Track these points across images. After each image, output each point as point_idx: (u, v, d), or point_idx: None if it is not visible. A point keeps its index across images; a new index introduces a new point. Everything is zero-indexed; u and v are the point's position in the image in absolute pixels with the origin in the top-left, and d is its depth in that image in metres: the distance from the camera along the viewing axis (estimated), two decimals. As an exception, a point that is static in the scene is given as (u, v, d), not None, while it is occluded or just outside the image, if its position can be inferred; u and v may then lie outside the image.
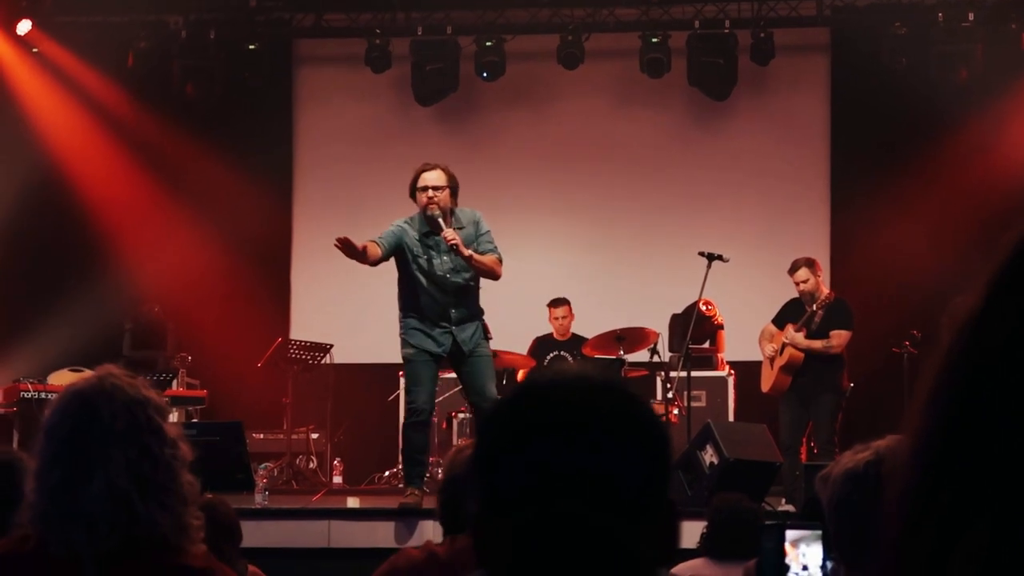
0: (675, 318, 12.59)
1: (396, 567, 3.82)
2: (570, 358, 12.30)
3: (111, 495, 2.69)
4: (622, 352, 11.57)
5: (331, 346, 12.80)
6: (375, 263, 9.00)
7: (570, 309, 12.64)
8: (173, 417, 11.72)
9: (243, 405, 12.54)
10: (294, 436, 12.81)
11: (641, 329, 11.74)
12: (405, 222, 9.04)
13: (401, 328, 9.16)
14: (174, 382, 12.42)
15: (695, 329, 11.31)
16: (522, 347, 12.44)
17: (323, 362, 12.94)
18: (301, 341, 12.96)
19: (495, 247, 9.06)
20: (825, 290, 11.00)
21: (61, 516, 2.71)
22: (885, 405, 11.31)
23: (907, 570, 1.04)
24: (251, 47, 13.74)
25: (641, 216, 14.16)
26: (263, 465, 11.03)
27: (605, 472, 1.50)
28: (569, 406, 1.54)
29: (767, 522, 6.20)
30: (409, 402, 9.15)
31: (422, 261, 9.00)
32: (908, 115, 13.53)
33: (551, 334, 12.63)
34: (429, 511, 9.02)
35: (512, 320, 12.99)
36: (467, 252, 8.83)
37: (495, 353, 11.62)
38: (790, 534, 3.53)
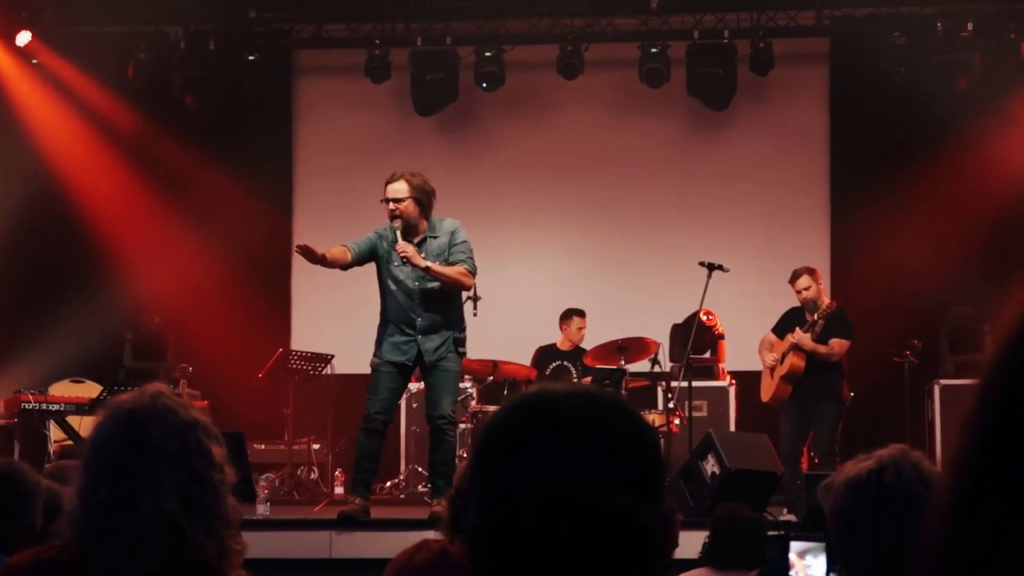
0: (676, 328, 12.60)
1: (412, 564, 3.85)
2: (572, 368, 12.31)
3: (159, 518, 2.65)
4: (623, 362, 11.57)
5: (332, 356, 12.80)
6: (345, 267, 9.13)
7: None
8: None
9: (244, 416, 12.53)
10: (295, 447, 12.82)
11: (642, 339, 11.74)
12: (383, 229, 9.11)
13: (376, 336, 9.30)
14: (175, 393, 12.40)
15: (696, 339, 11.33)
16: (523, 357, 12.44)
17: (324, 372, 12.94)
18: (302, 352, 12.96)
19: (466, 258, 9.07)
20: (826, 299, 11.01)
21: (105, 535, 2.67)
22: (885, 414, 11.33)
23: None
24: (251, 58, 13.76)
25: (641, 226, 14.17)
26: (264, 476, 11.02)
27: (602, 479, 1.52)
28: (566, 417, 1.55)
29: (771, 533, 6.20)
30: (366, 409, 9.22)
31: (392, 268, 9.10)
32: (907, 124, 13.56)
33: (554, 344, 12.63)
34: (418, 520, 9.03)
35: (512, 330, 13.01)
36: (423, 263, 8.89)
37: (495, 364, 11.65)
38: (795, 545, 3.54)
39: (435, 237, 9.05)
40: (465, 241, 9.11)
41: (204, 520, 2.70)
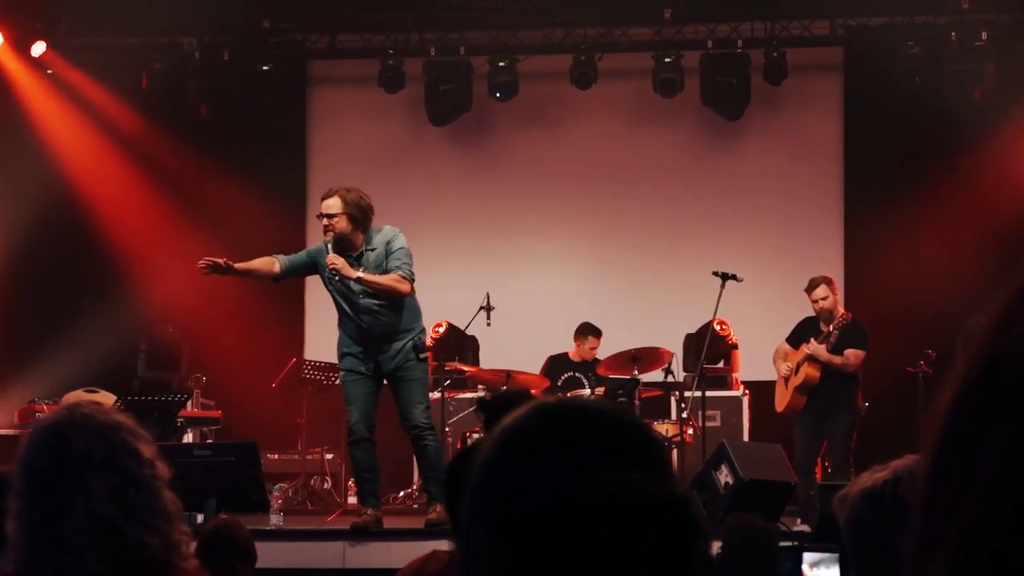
0: (689, 338, 12.58)
1: (424, 571, 3.85)
2: (584, 379, 12.29)
3: (95, 524, 2.68)
4: (636, 372, 11.55)
5: (345, 366, 12.79)
6: (274, 279, 9.32)
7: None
8: (188, 437, 11.70)
9: (258, 426, 12.53)
10: (309, 456, 12.83)
11: (655, 349, 11.71)
12: (324, 244, 9.16)
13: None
14: (189, 403, 12.42)
15: (709, 349, 11.31)
16: (534, 366, 12.42)
17: (337, 382, 12.93)
18: (315, 361, 12.96)
19: (401, 263, 9.08)
20: (840, 309, 10.99)
21: (46, 550, 2.70)
22: (900, 425, 11.30)
23: None
24: (265, 68, 13.79)
25: (654, 236, 14.16)
26: (278, 486, 11.02)
27: (625, 480, 1.50)
28: (575, 422, 1.54)
29: (784, 544, 6.19)
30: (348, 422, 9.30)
31: (336, 283, 9.18)
32: (921, 134, 13.53)
33: (566, 354, 12.59)
34: (417, 530, 9.02)
35: (526, 341, 13.01)
36: (354, 275, 8.96)
37: (508, 374, 11.63)
38: (808, 556, 3.53)
39: (372, 250, 9.12)
40: (402, 248, 9.14)
41: (143, 518, 2.72)
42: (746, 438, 12.03)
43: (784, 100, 14.04)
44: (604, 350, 12.26)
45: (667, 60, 13.47)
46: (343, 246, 9.08)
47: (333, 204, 9.07)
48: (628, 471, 1.50)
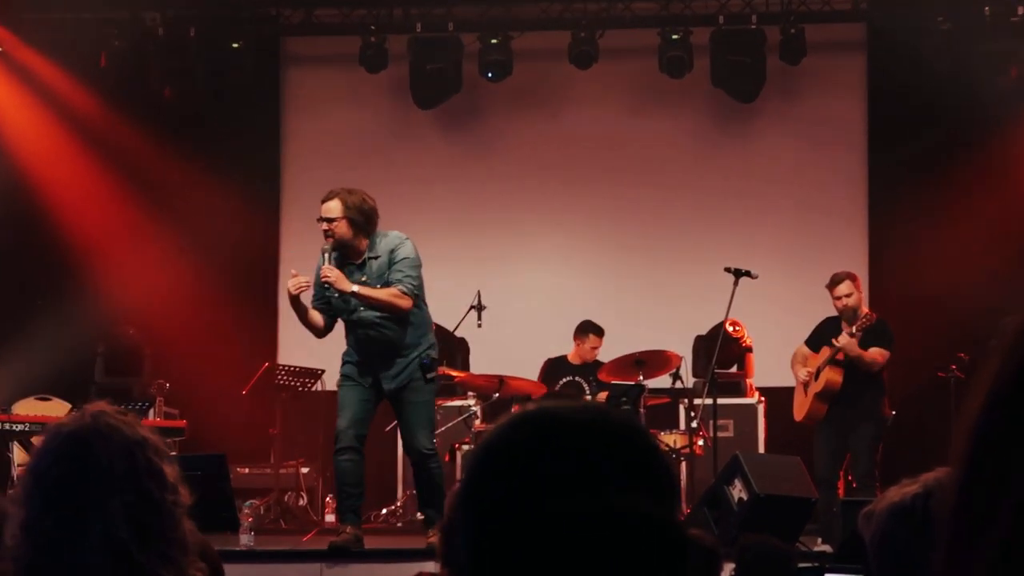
0: (699, 340, 12.58)
1: None
2: (585, 384, 12.28)
3: (109, 547, 2.64)
4: (641, 377, 11.54)
5: (323, 371, 12.78)
6: (320, 332, 9.32)
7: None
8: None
9: (226, 436, 12.50)
10: (282, 470, 12.82)
11: (662, 352, 11.72)
12: (322, 251, 9.17)
13: None
14: (151, 411, 12.39)
15: (721, 352, 11.32)
16: (532, 372, 12.41)
17: (314, 389, 12.94)
18: (290, 366, 12.97)
19: (403, 276, 9.11)
20: (864, 308, 10.98)
21: (51, 569, 2.66)
22: (930, 434, 11.25)
23: None
24: (235, 46, 13.77)
25: (661, 229, 14.16)
26: (248, 502, 11.00)
27: (619, 507, 1.51)
28: (571, 434, 1.55)
29: (803, 565, 6.16)
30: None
31: (337, 295, 9.19)
32: (952, 118, 13.53)
33: (565, 356, 12.59)
34: (416, 551, 9.01)
35: (519, 343, 13.02)
36: (349, 288, 9.00)
37: (501, 380, 11.62)
38: (829, 577, 3.51)
39: (375, 257, 9.18)
40: (406, 259, 9.17)
41: (158, 547, 2.69)
42: (762, 450, 12.05)
43: (802, 81, 14.04)
44: (606, 353, 12.26)
45: (675, 37, 13.48)
46: (344, 252, 9.13)
47: (333, 207, 9.12)
48: (610, 492, 1.50)
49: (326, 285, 9.07)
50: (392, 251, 9.14)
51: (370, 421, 9.44)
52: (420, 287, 9.23)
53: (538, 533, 1.49)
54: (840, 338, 10.66)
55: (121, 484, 2.68)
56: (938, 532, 1.14)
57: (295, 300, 9.08)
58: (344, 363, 9.36)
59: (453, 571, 1.63)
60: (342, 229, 9.08)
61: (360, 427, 9.25)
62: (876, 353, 10.67)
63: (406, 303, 9.10)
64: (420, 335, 9.30)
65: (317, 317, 9.23)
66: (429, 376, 9.27)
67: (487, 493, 1.54)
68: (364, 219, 9.13)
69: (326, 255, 9.09)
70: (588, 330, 12.49)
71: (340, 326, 9.38)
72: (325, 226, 9.10)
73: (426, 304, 9.39)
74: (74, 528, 2.66)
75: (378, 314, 9.13)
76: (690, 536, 1.56)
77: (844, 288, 10.82)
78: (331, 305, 9.25)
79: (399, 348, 9.20)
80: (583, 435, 1.55)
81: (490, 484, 1.55)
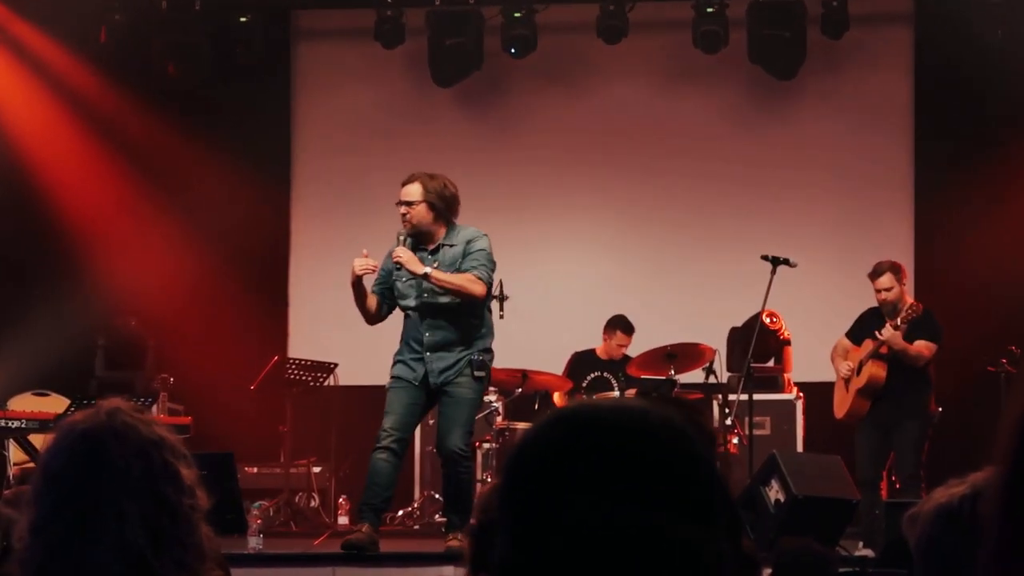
0: (734, 332, 12.58)
1: None
2: (613, 379, 12.29)
3: (123, 552, 2.65)
4: (673, 372, 11.55)
5: (335, 365, 12.82)
6: (374, 318, 9.50)
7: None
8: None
9: (234, 434, 12.55)
10: (293, 470, 12.84)
11: (695, 345, 11.72)
12: (398, 235, 9.32)
13: None
14: (154, 407, 12.44)
15: (758, 345, 11.29)
16: (556, 366, 12.42)
17: (326, 384, 12.96)
18: (301, 360, 12.98)
19: (479, 265, 9.25)
20: (909, 299, 10.93)
21: (63, 573, 2.67)
22: (978, 432, 11.22)
23: None
24: (242, 20, 13.77)
25: (693, 214, 14.15)
26: (257, 504, 11.02)
27: (652, 524, 1.53)
28: (612, 435, 1.56)
29: (844, 571, 6.18)
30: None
31: (401, 285, 9.38)
32: (1005, 96, 13.47)
33: (593, 350, 12.59)
34: (434, 554, 9.04)
35: (544, 335, 13.01)
36: (421, 269, 9.13)
37: (524, 374, 11.63)
38: (872, 583, 3.53)
39: (451, 246, 9.32)
40: (482, 250, 9.32)
41: (174, 553, 2.69)
42: (800, 448, 12.04)
43: (845, 56, 14.00)
44: (636, 347, 12.26)
45: (709, 10, 13.43)
46: (420, 238, 9.28)
47: (413, 191, 9.28)
48: (634, 505, 1.51)
49: (397, 266, 9.17)
50: (469, 242, 9.30)
51: (415, 425, 9.67)
52: (492, 285, 9.41)
53: (562, 538, 1.52)
54: (884, 330, 10.65)
55: (137, 487, 2.69)
56: (983, 532, 1.14)
57: (357, 281, 9.22)
58: (395, 363, 9.47)
59: (490, 572, 1.65)
60: (420, 213, 9.23)
61: (404, 431, 9.37)
62: (922, 346, 10.67)
63: (480, 288, 9.22)
64: (479, 336, 9.42)
65: (373, 302, 9.41)
66: (477, 374, 9.35)
67: (518, 494, 1.57)
68: (444, 205, 9.29)
69: (400, 238, 9.22)
70: (616, 326, 12.49)
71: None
72: (403, 209, 9.26)
73: (491, 310, 9.57)
74: (87, 531, 2.66)
75: (442, 301, 9.23)
76: (729, 557, 1.57)
77: (885, 281, 10.80)
78: (393, 292, 9.39)
79: (455, 343, 9.32)
80: (615, 438, 1.56)
81: (521, 484, 1.57)
